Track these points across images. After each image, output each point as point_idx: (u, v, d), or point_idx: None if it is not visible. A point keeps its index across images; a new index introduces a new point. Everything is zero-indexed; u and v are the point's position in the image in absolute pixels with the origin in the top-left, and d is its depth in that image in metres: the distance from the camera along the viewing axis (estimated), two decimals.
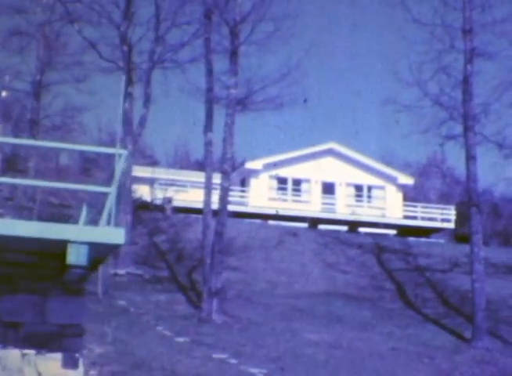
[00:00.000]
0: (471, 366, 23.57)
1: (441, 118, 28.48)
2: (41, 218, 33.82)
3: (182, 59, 32.73)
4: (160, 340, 20.84)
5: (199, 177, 46.60)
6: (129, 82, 32.43)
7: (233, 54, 25.03)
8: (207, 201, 26.37)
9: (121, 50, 32.16)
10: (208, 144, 26.36)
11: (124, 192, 31.18)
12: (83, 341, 9.94)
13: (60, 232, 8.70)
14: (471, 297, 27.80)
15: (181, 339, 21.30)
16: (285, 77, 24.93)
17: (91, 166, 55.62)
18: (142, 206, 40.90)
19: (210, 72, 26.59)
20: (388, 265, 37.32)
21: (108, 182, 31.58)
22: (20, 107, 44.67)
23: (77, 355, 9.61)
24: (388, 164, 55.23)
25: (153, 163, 71.51)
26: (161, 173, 46.88)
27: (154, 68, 32.57)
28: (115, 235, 8.72)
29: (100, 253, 9.25)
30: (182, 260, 33.24)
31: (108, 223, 8.97)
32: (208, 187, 26.38)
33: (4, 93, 47.73)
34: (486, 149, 29.31)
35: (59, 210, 35.59)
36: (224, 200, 25.22)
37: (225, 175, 25.01)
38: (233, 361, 19.21)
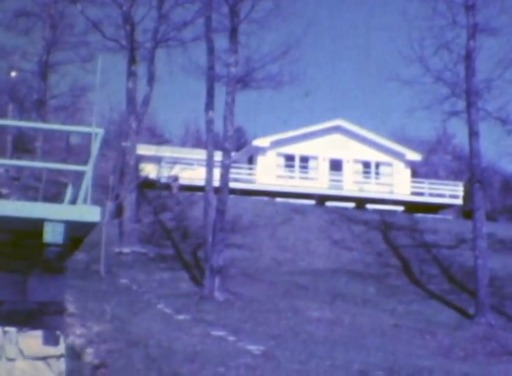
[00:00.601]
0: (473, 342, 23.60)
1: (444, 94, 28.37)
2: (46, 197, 34.04)
3: (185, 38, 32.60)
4: (160, 318, 20.92)
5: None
6: (132, 61, 32.50)
7: (233, 32, 24.93)
8: (209, 179, 26.46)
9: (124, 29, 32.14)
10: (209, 122, 26.40)
11: (128, 170, 31.38)
12: (64, 319, 10.03)
13: (36, 210, 8.75)
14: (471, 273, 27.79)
15: (181, 317, 21.38)
16: (284, 55, 24.90)
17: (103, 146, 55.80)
18: (148, 184, 40.98)
19: (211, 51, 26.57)
20: (394, 242, 37.31)
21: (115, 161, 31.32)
22: (27, 87, 44.78)
23: (57, 332, 9.69)
24: (399, 140, 55.10)
25: (163, 142, 71.66)
26: (167, 151, 46.86)
27: (158, 47, 32.50)
28: (91, 213, 8.77)
29: (78, 231, 9.30)
30: (187, 238, 33.33)
31: (84, 202, 9.00)
32: (210, 165, 26.44)
33: (13, 73, 47.92)
34: (490, 125, 29.13)
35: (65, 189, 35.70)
36: (225, 178, 25.23)
37: (226, 152, 25.01)
38: (232, 338, 19.26)
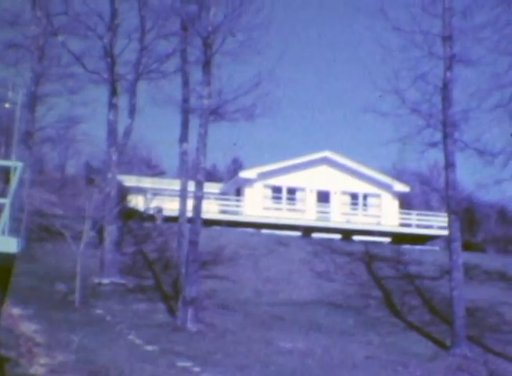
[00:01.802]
0: (446, 374, 23.53)
1: (420, 126, 28.43)
2: (28, 228, 34.17)
3: (166, 70, 32.83)
4: (128, 348, 20.90)
5: (189, 186, 46.84)
6: (114, 93, 32.74)
7: (206, 64, 25.19)
8: (183, 210, 26.60)
9: (105, 62, 32.46)
10: (184, 154, 26.61)
11: (108, 201, 31.49)
12: None
13: None
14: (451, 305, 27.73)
15: (150, 347, 21.35)
16: (256, 87, 25.11)
17: (95, 176, 56.05)
18: (132, 215, 41.19)
19: (186, 83, 26.88)
20: (377, 273, 37.29)
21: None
22: (13, 119, 44.96)
23: None
24: (391, 172, 55.27)
25: (158, 173, 71.96)
26: (148, 182, 47.26)
27: (139, 79, 32.74)
28: (8, 244, 8.89)
29: None
30: (168, 269, 33.28)
31: (3, 233, 9.11)
32: (184, 196, 26.64)
33: (7, 105, 48.19)
34: (467, 156, 29.21)
35: (51, 221, 35.70)
36: (197, 210, 25.31)
37: (199, 184, 25.15)
38: (196, 369, 19.27)
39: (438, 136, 28.69)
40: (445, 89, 28.30)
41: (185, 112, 26.57)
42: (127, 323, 24.46)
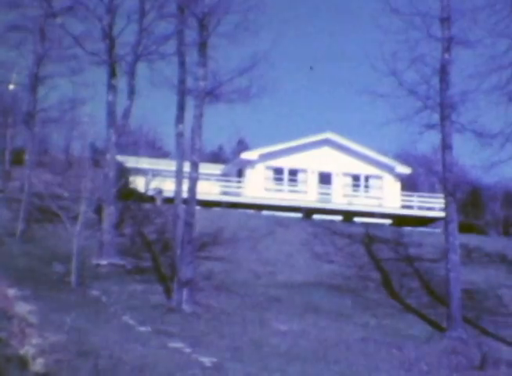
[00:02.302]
0: (440, 356, 23.48)
1: (418, 107, 28.34)
2: (28, 209, 34.30)
3: (166, 52, 32.73)
4: (121, 329, 20.96)
5: (185, 167, 46.86)
6: (112, 75, 32.73)
7: (202, 46, 25.18)
8: (178, 191, 26.65)
9: (104, 43, 32.43)
10: (179, 135, 26.63)
11: (108, 183, 31.56)
12: None
13: None
14: (444, 287, 27.78)
15: (143, 328, 21.41)
16: (251, 69, 25.05)
17: (100, 158, 56.11)
18: (132, 196, 41.20)
19: (182, 64, 26.86)
20: (377, 255, 37.31)
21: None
22: (16, 100, 45.13)
23: None
24: (396, 154, 55.15)
25: (162, 155, 71.98)
26: (149, 163, 47.34)
27: (138, 61, 32.68)
28: None
29: None
30: (167, 250, 33.27)
31: None
32: (179, 177, 26.66)
33: (11, 86, 48.29)
34: (466, 138, 29.09)
35: (49, 202, 35.76)
36: (192, 191, 25.36)
37: (194, 165, 25.18)
38: (188, 350, 19.28)
39: (436, 118, 28.63)
40: (443, 71, 28.23)
41: (182, 93, 26.55)
42: (122, 304, 24.53)
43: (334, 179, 47.73)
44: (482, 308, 31.14)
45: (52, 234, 33.26)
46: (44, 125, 44.54)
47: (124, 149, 65.02)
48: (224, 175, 50.22)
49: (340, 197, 47.28)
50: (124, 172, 43.85)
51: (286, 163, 46.92)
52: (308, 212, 44.67)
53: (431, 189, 59.68)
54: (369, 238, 39.92)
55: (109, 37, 32.13)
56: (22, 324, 19.83)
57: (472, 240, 42.13)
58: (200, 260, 32.66)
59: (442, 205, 47.01)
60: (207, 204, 43.82)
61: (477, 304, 31.55)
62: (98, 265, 30.10)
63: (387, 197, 47.90)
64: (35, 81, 39.64)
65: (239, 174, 47.95)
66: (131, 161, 46.75)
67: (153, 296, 26.91)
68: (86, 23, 34.53)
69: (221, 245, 35.22)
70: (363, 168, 48.04)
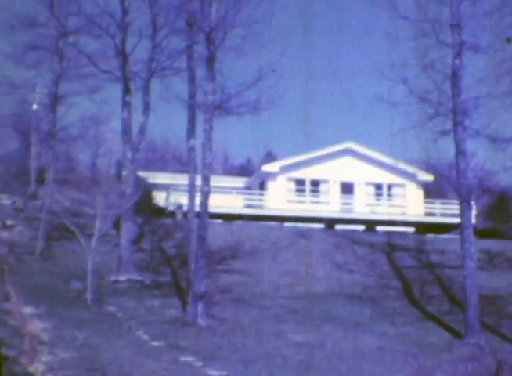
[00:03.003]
0: (457, 364, 23.28)
1: (430, 114, 28.27)
2: (47, 228, 34.60)
3: (180, 67, 32.92)
4: (134, 344, 21.05)
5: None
6: (127, 91, 33.03)
7: (209, 60, 25.39)
8: (191, 205, 26.77)
9: (117, 60, 32.75)
10: (191, 150, 26.80)
11: (125, 199, 31.76)
12: None
13: None
14: (461, 294, 27.56)
15: (156, 343, 21.49)
16: (259, 81, 25.17)
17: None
18: (156, 212, 41.49)
19: (192, 79, 27.05)
20: (398, 263, 37.11)
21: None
22: (35, 120, 45.66)
23: None
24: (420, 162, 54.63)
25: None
26: (170, 178, 47.57)
27: (152, 77, 32.91)
28: None
29: None
30: (187, 265, 33.34)
31: None
32: (192, 191, 26.78)
33: (34, 106, 48.96)
34: (480, 143, 29.00)
35: (67, 219, 36.07)
36: (204, 205, 25.50)
37: (205, 179, 25.34)
38: (198, 364, 19.35)
39: (449, 124, 28.52)
40: (454, 77, 28.12)
41: (192, 108, 26.74)
42: (137, 320, 24.66)
43: (356, 189, 47.62)
44: (503, 314, 30.80)
45: (71, 252, 33.55)
46: (66, 144, 44.96)
47: (150, 165, 65.69)
48: (247, 187, 50.34)
49: (363, 206, 47.15)
50: (145, 188, 44.13)
51: (307, 174, 46.91)
52: (330, 223, 44.61)
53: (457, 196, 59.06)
54: (391, 247, 39.73)
55: (122, 54, 32.44)
56: (33, 342, 20.02)
57: (495, 245, 41.80)
58: (219, 273, 32.83)
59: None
60: (230, 218, 44.00)
61: (499, 310, 31.23)
62: (116, 281, 30.29)
63: (410, 205, 47.68)
64: (54, 100, 40.02)
65: (262, 186, 48.02)
66: (152, 177, 47.06)
67: (170, 311, 27.00)
68: (100, 41, 34.95)
69: (241, 258, 35.30)
70: (385, 177, 47.88)
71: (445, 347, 25.41)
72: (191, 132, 26.76)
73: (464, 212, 27.50)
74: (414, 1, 28.95)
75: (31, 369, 17.35)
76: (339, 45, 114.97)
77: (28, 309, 23.77)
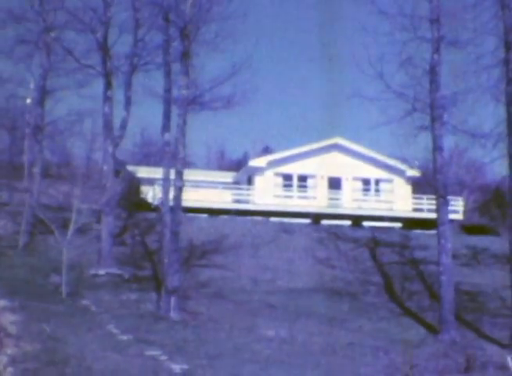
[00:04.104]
0: (428, 360, 23.15)
1: (407, 109, 28.20)
2: (31, 222, 34.63)
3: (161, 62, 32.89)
4: (102, 338, 21.05)
5: (196, 176, 47.03)
6: (108, 86, 33.03)
7: (184, 55, 25.41)
8: (165, 200, 26.80)
9: (99, 55, 32.77)
10: (166, 144, 26.81)
11: (106, 193, 31.82)
12: None
13: None
14: (439, 290, 27.55)
15: (125, 337, 21.47)
16: (233, 76, 25.16)
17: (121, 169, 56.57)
18: (143, 206, 41.55)
19: (168, 74, 27.02)
20: (381, 259, 37.12)
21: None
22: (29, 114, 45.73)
23: None
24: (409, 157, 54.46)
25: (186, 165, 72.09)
26: (158, 173, 47.46)
27: (134, 72, 32.92)
28: None
29: None
30: None
31: None
32: (166, 186, 26.80)
33: (28, 100, 48.99)
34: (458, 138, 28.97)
35: (55, 213, 36.08)
36: (178, 199, 25.52)
37: (178, 174, 25.38)
38: (163, 357, 19.31)
39: (427, 120, 28.44)
40: (433, 72, 28.03)
41: (167, 103, 26.74)
42: (111, 313, 24.66)
43: (344, 184, 47.59)
44: (484, 310, 30.82)
45: (54, 246, 33.54)
46: (54, 138, 44.98)
47: (146, 160, 65.62)
48: (235, 182, 50.36)
49: (351, 201, 47.13)
50: (133, 182, 44.25)
51: (295, 169, 46.88)
52: (317, 218, 44.60)
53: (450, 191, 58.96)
54: (375, 242, 39.73)
55: (103, 49, 32.45)
56: (0, 334, 20.09)
57: (481, 241, 41.79)
58: (200, 268, 32.92)
59: (453, 207, 46.98)
60: (217, 212, 43.99)
61: (479, 306, 31.24)
62: (95, 275, 30.31)
63: (397, 200, 47.64)
64: (43, 95, 40.00)
65: (249, 181, 48.02)
66: (140, 171, 47.11)
67: (146, 305, 27.03)
68: (84, 37, 34.91)
69: (222, 253, 35.32)
70: (373, 172, 47.82)
71: (420, 343, 25.34)
72: (166, 127, 26.77)
73: (441, 208, 27.43)
74: None
75: None
76: (316, 39, 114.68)
77: (1, 303, 23.85)
